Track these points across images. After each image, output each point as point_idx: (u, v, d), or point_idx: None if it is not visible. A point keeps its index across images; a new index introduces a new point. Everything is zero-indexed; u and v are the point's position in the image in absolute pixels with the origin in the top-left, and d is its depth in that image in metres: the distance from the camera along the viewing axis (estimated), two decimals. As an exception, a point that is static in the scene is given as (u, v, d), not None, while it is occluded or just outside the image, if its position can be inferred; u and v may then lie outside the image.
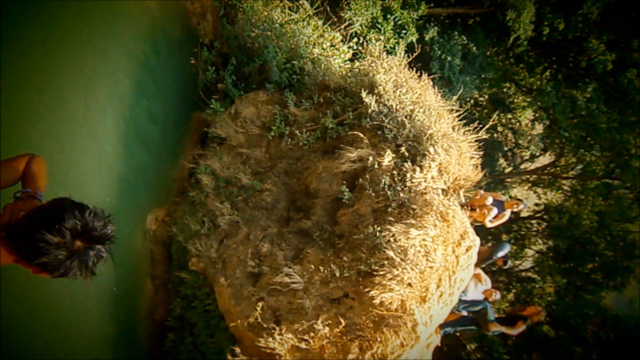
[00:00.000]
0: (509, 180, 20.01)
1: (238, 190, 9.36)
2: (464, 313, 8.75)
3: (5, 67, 6.33)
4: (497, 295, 8.79)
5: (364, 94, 8.85)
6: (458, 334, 13.45)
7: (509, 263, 9.08)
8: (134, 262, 9.31)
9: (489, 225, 8.75)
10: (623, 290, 15.82)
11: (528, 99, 18.20)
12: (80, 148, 7.97)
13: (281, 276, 7.84)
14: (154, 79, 9.73)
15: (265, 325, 7.61)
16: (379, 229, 7.58)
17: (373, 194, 8.17)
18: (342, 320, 7.31)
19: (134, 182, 9.20)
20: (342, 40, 11.46)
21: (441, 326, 8.20)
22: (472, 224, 8.38)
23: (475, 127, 9.33)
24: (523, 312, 8.70)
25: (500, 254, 8.99)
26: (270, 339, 7.35)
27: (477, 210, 8.49)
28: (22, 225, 2.10)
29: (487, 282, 8.83)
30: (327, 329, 7.30)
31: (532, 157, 20.09)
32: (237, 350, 7.92)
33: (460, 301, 8.37)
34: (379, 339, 7.12)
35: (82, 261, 2.12)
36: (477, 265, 8.42)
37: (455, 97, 9.95)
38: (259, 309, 7.71)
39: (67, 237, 2.04)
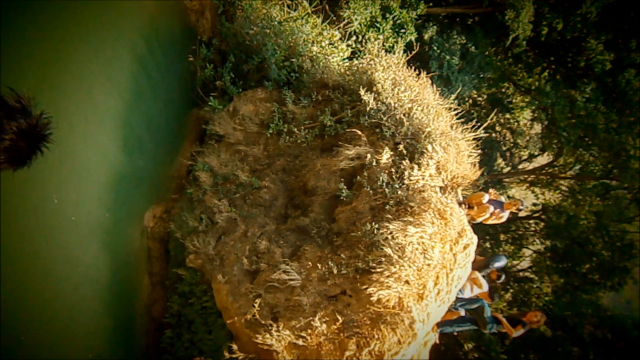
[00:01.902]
0: (507, 180, 20.04)
1: (236, 188, 9.36)
2: (462, 312, 8.74)
3: (3, 63, 6.33)
4: (494, 300, 8.89)
5: (362, 92, 8.86)
6: (456, 333, 13.46)
7: (503, 278, 9.08)
8: (131, 259, 9.32)
9: (488, 222, 8.75)
10: (620, 291, 15.85)
11: (526, 99, 18.23)
12: (79, 144, 7.97)
13: (279, 273, 7.83)
14: (152, 76, 9.72)
15: (262, 322, 7.60)
16: (376, 226, 7.58)
17: (371, 191, 8.17)
18: (339, 318, 7.30)
19: (132, 179, 9.20)
20: (340, 39, 11.46)
21: (439, 325, 8.19)
22: (470, 222, 8.38)
23: (474, 126, 9.33)
24: (523, 318, 8.67)
25: (497, 264, 9.00)
26: (268, 336, 7.34)
27: (475, 208, 8.49)
28: None
29: (483, 286, 8.83)
30: (324, 326, 7.30)
31: (531, 157, 20.13)
32: (235, 347, 7.91)
33: (458, 299, 8.37)
34: (376, 336, 7.11)
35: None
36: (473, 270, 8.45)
37: (453, 96, 9.95)
38: (256, 305, 7.71)
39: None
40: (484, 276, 8.97)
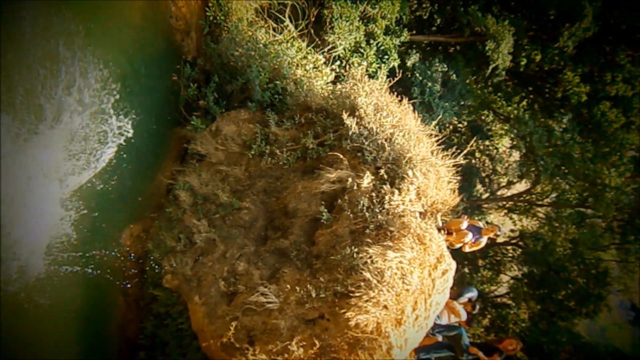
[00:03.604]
0: (485, 205, 20.25)
1: (216, 208, 9.30)
2: (439, 338, 8.74)
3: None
4: (471, 327, 8.93)
5: (345, 116, 8.94)
6: (433, 359, 13.40)
7: (477, 308, 9.18)
8: (106, 278, 9.15)
9: (466, 249, 8.83)
10: (595, 318, 16.01)
11: (505, 127, 18.54)
12: (57, 159, 7.88)
13: (256, 295, 7.75)
14: (135, 93, 9.68)
15: (238, 346, 7.49)
16: (356, 250, 7.58)
17: (351, 215, 8.18)
18: (316, 342, 7.24)
19: (110, 196, 9.08)
20: (325, 63, 11.60)
21: (416, 351, 8.17)
22: (448, 247, 8.44)
23: (454, 153, 9.44)
24: (499, 345, 8.70)
25: (467, 295, 9.08)
26: (243, 360, 7.24)
27: (454, 234, 8.55)
28: None
29: (461, 315, 8.86)
30: (301, 350, 7.22)
31: (509, 184, 20.40)
32: (209, 370, 7.78)
33: (436, 325, 8.37)
34: (353, 362, 7.06)
35: None
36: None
37: (434, 122, 10.10)
38: (232, 328, 7.60)
39: None
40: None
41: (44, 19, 7.63)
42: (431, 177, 8.56)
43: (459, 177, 9.30)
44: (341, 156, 8.83)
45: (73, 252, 8.28)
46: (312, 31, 11.95)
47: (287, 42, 11.32)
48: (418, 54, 13.99)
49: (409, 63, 13.65)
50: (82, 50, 8.34)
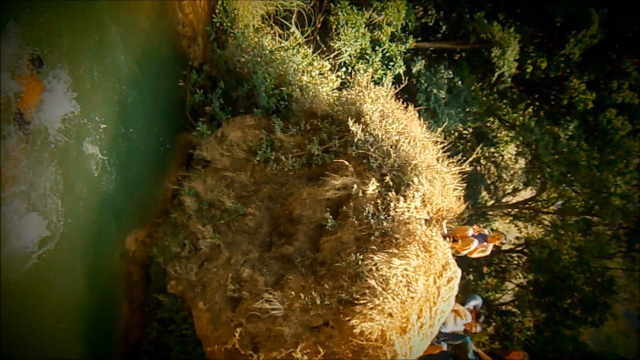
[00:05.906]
0: (491, 213, 20.19)
1: (221, 214, 9.30)
2: (444, 346, 8.69)
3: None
4: (477, 328, 8.86)
5: (350, 123, 8.93)
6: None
7: (482, 318, 9.12)
8: (110, 283, 9.15)
9: (473, 255, 8.79)
10: (601, 327, 15.88)
11: (511, 134, 18.52)
12: (62, 163, 7.91)
13: (261, 302, 7.72)
14: (142, 99, 9.72)
15: (242, 352, 7.47)
16: (361, 257, 7.55)
17: (356, 222, 8.17)
18: (321, 350, 7.20)
19: (114, 201, 9.09)
20: (330, 69, 11.63)
21: None
22: (454, 255, 8.40)
23: (459, 160, 9.42)
24: (505, 356, 8.63)
25: (471, 303, 9.04)
26: (247, 367, 7.21)
27: (460, 241, 8.52)
28: None
29: (466, 317, 8.81)
30: (305, 357, 7.18)
31: (514, 191, 20.34)
32: (213, 377, 7.75)
33: (440, 333, 8.32)
34: (357, 370, 7.02)
35: None
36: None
37: (440, 129, 10.07)
38: (237, 335, 7.58)
39: None
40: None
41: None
42: (437, 184, 8.54)
43: (464, 184, 9.28)
44: (346, 163, 8.83)
45: (77, 254, 8.29)
46: (318, 38, 12.00)
47: (293, 48, 11.36)
48: (423, 61, 14.01)
49: (414, 70, 13.68)
50: (88, 54, 8.40)
